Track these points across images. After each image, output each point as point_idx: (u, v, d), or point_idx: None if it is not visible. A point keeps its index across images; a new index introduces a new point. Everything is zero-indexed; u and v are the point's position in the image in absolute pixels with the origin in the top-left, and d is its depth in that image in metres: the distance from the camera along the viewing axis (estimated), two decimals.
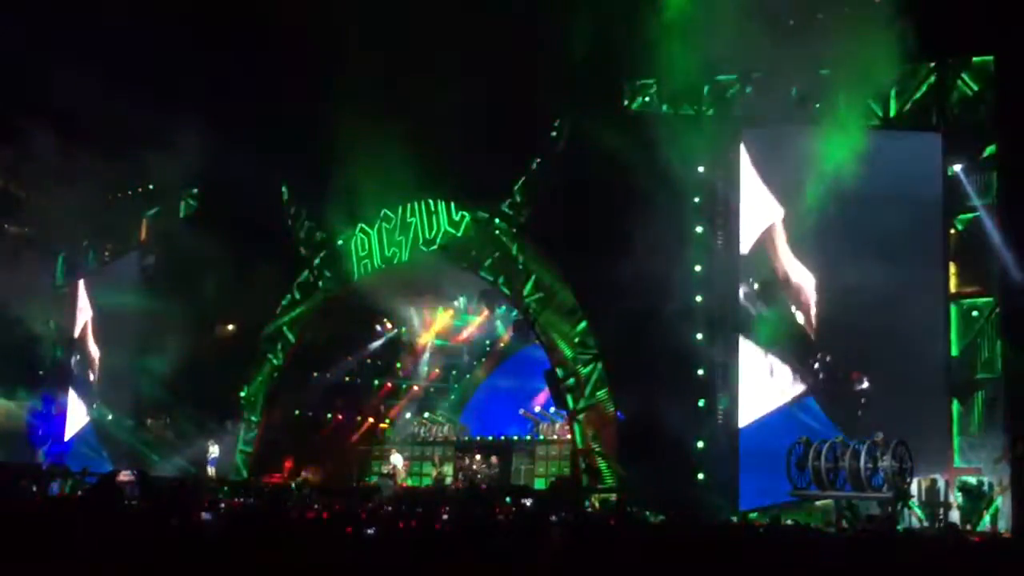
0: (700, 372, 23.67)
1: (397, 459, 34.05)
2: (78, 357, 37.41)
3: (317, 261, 33.03)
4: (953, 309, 20.86)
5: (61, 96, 29.08)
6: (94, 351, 36.94)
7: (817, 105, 22.57)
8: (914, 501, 20.40)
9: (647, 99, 25.25)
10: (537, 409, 32.95)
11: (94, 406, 36.29)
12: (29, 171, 31.08)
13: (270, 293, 33.10)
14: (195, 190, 34.90)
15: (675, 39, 21.15)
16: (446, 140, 26.27)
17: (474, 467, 32.60)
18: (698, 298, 23.84)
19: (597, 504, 22.82)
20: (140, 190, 36.18)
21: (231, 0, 29.59)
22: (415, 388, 37.89)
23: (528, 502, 24.65)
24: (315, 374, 34.71)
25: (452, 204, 29.59)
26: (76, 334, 37.45)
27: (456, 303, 34.71)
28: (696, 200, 24.13)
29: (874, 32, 20.87)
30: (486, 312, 35.08)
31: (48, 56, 29.68)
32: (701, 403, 23.56)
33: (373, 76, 26.92)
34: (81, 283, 37.48)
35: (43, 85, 29.06)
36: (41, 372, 37.61)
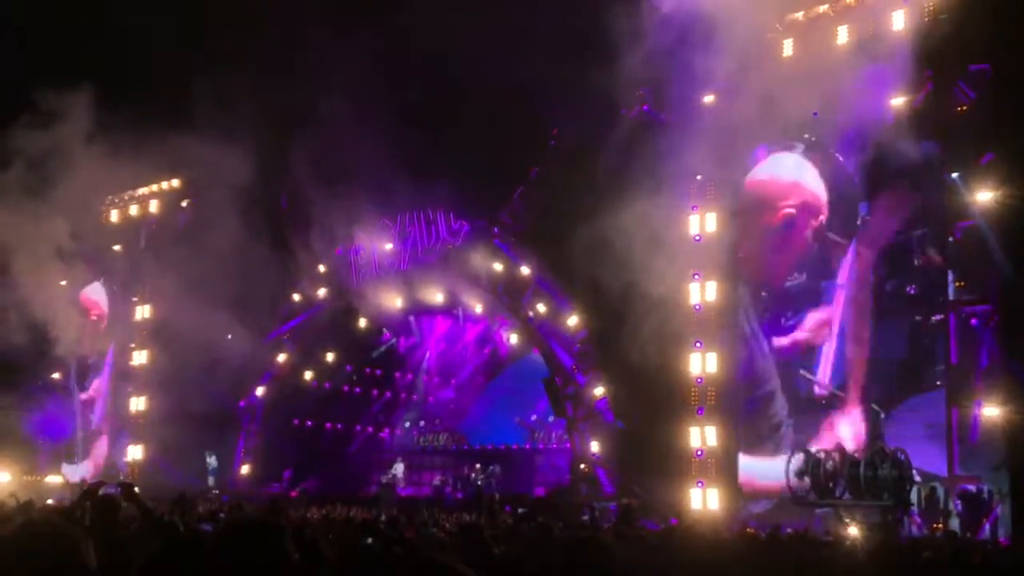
0: (700, 380, 23.70)
1: (397, 468, 34.04)
2: (79, 366, 37.41)
3: (317, 270, 33.05)
4: (952, 317, 20.85)
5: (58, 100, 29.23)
6: (93, 357, 36.96)
7: (816, 114, 22.64)
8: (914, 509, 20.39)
9: (646, 108, 25.31)
10: (533, 418, 32.95)
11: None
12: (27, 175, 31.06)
13: (270, 302, 33.09)
14: (194, 200, 34.92)
15: (676, 50, 21.23)
16: (446, 149, 26.34)
17: (473, 475, 32.57)
18: (698, 306, 23.89)
19: (597, 514, 22.76)
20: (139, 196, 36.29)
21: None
22: (414, 397, 37.90)
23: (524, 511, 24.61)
24: (315, 383, 34.72)
25: (451, 213, 29.64)
26: (79, 342, 37.42)
27: (456, 312, 34.69)
28: (695, 207, 24.20)
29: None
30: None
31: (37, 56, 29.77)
32: (700, 412, 23.58)
33: (374, 84, 26.98)
34: (84, 291, 37.45)
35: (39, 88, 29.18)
36: (41, 383, 37.55)
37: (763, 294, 23.91)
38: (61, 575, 3.66)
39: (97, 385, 36.87)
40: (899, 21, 21.45)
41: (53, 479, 33.54)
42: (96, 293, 37.08)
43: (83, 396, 37.17)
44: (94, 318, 37.12)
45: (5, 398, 35.60)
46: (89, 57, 29.26)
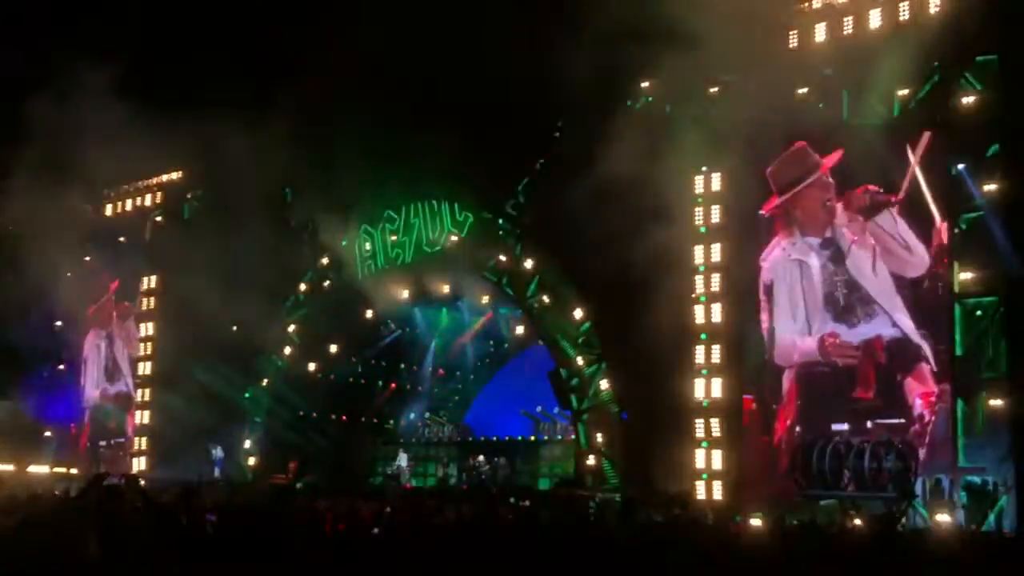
0: (705, 372, 23.69)
1: (402, 459, 34.10)
2: (84, 357, 37.46)
3: (321, 262, 33.06)
4: (957, 308, 20.80)
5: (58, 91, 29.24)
6: (97, 349, 37.01)
7: (821, 105, 22.59)
8: (919, 500, 20.37)
9: (650, 99, 25.26)
10: (539, 409, 32.97)
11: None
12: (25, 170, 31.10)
13: (274, 294, 33.13)
14: (199, 191, 34.94)
15: (678, 40, 21.18)
16: (450, 141, 26.32)
17: (478, 467, 32.65)
18: (703, 297, 23.88)
19: (603, 506, 22.80)
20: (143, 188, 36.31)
21: None
22: (419, 389, 37.92)
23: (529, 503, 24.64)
24: (319, 375, 34.75)
25: (456, 205, 29.62)
26: (84, 333, 37.48)
27: (460, 303, 34.72)
28: (700, 200, 24.17)
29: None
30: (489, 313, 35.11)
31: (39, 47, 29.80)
32: (705, 404, 23.56)
33: (378, 76, 26.95)
34: (88, 282, 37.44)
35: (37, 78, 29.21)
36: (46, 374, 37.64)
37: None
38: (64, 565, 3.68)
39: (102, 376, 36.87)
40: (905, 11, 21.39)
41: (58, 470, 33.61)
42: (101, 284, 37.07)
43: (88, 387, 37.19)
44: (99, 309, 37.13)
45: (10, 389, 35.71)
46: (90, 44, 29.27)
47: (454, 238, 29.65)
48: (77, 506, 8.01)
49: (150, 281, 35.31)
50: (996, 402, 19.86)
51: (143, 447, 34.11)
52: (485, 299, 32.59)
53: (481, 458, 32.89)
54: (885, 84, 21.48)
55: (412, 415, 37.66)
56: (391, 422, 37.60)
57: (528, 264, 28.49)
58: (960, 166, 20.77)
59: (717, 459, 23.26)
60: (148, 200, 36.27)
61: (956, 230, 20.87)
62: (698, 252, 24.07)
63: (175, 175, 35.49)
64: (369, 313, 34.03)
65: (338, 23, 27.54)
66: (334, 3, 27.59)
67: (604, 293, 25.98)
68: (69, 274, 35.87)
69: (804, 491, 20.91)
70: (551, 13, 23.70)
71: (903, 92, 21.46)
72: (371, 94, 27.15)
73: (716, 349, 23.69)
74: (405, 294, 32.98)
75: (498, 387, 36.77)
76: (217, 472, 33.05)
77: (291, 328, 33.95)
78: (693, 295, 23.95)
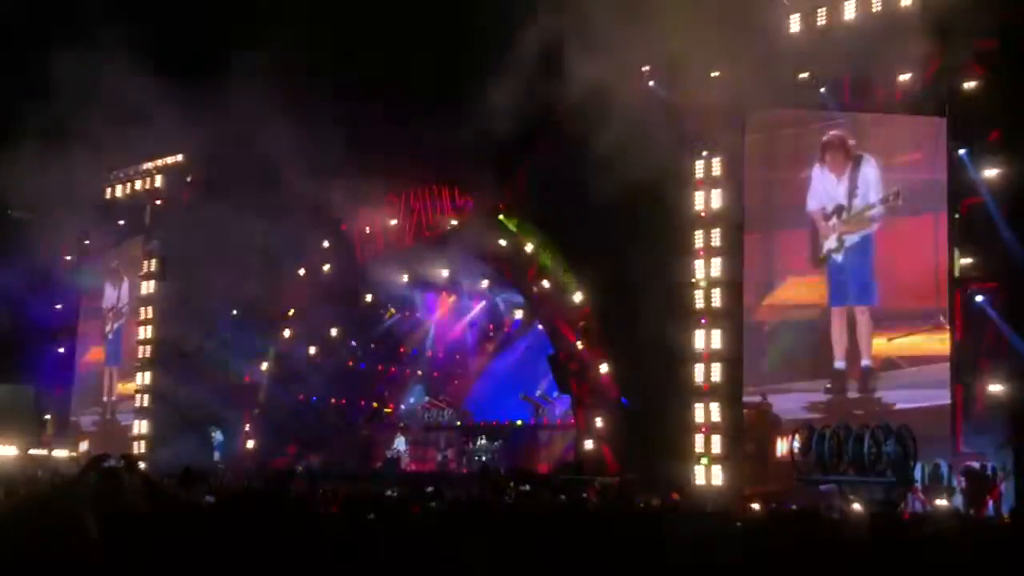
0: (705, 358, 23.68)
1: (400, 444, 34.15)
2: (84, 340, 37.48)
3: (322, 245, 33.04)
4: (958, 294, 20.79)
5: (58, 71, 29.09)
6: (98, 332, 37.02)
7: (823, 90, 22.54)
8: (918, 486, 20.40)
9: (651, 84, 25.18)
10: (539, 394, 33.01)
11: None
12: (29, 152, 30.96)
13: (275, 278, 33.11)
14: (199, 175, 34.83)
15: (681, 25, 21.11)
16: (451, 125, 26.24)
17: (480, 451, 32.72)
18: (702, 283, 23.85)
19: (601, 490, 22.83)
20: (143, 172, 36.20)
21: None
22: (419, 372, 37.95)
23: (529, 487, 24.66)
24: (319, 358, 34.77)
25: (456, 189, 29.57)
26: (83, 316, 37.51)
27: (460, 288, 34.73)
28: (700, 186, 24.12)
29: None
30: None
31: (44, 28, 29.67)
32: (705, 389, 23.57)
33: (380, 63, 26.88)
34: (88, 266, 37.42)
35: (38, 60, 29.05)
36: (46, 356, 37.64)
37: None
38: (63, 547, 3.67)
39: (102, 359, 36.90)
40: None
41: (59, 453, 33.64)
42: (101, 268, 37.06)
43: (88, 370, 37.22)
44: (98, 294, 37.13)
45: (14, 372, 35.70)
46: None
47: (454, 222, 29.61)
48: (75, 488, 8.01)
49: (150, 264, 35.24)
50: (996, 388, 19.87)
51: (142, 430, 34.10)
52: (485, 284, 32.58)
53: (481, 441, 32.95)
54: (887, 69, 21.42)
55: (412, 399, 37.70)
56: (391, 406, 37.63)
57: (528, 248, 28.46)
58: (962, 151, 20.73)
59: (716, 444, 23.27)
60: (148, 184, 36.16)
61: (957, 215, 20.85)
62: (698, 237, 24.03)
63: (176, 158, 35.36)
64: (369, 297, 34.05)
65: (342, 11, 27.44)
66: None
67: (603, 278, 25.96)
68: (69, 257, 35.84)
69: (803, 476, 20.90)
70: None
71: (905, 77, 21.40)
72: (372, 77, 27.06)
73: (716, 335, 23.68)
74: (405, 278, 32.96)
75: (498, 371, 36.79)
76: (217, 456, 33.10)
77: (291, 312, 33.95)
78: (693, 280, 23.92)
